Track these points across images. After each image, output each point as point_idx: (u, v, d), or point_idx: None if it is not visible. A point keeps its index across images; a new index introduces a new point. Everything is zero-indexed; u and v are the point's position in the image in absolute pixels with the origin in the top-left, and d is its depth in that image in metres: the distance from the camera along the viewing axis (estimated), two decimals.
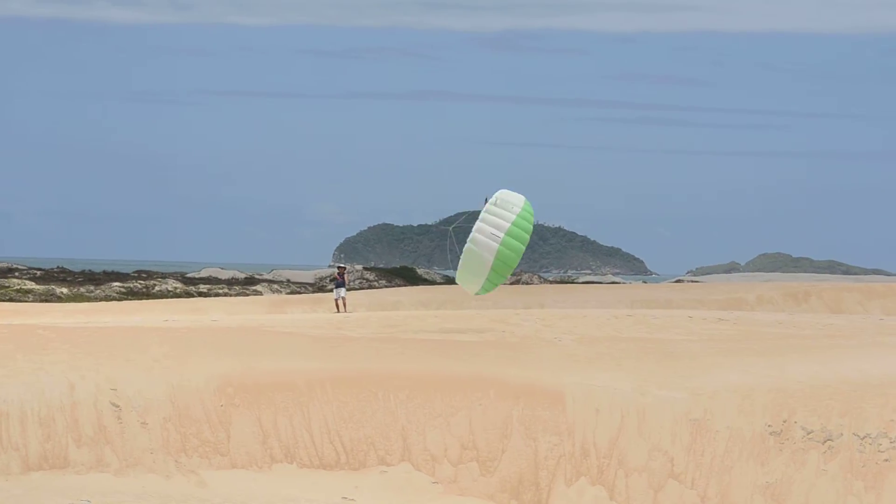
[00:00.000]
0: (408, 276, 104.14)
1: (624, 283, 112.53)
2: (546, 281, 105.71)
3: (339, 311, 45.33)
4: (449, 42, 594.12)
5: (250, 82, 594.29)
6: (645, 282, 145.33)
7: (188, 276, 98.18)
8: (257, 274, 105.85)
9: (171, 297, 78.49)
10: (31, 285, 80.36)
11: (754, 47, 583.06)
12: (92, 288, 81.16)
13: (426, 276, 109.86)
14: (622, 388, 23.11)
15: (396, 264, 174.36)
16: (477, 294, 25.77)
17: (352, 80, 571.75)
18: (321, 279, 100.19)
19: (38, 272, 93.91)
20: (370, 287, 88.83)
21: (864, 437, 21.11)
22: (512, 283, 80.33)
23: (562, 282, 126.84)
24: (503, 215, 25.34)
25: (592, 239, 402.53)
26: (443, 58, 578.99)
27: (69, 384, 22.75)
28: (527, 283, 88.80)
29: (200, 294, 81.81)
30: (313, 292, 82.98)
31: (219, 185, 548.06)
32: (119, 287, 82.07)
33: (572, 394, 23.19)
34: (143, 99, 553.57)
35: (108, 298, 75.81)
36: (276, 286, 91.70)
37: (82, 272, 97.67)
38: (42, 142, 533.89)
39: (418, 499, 22.14)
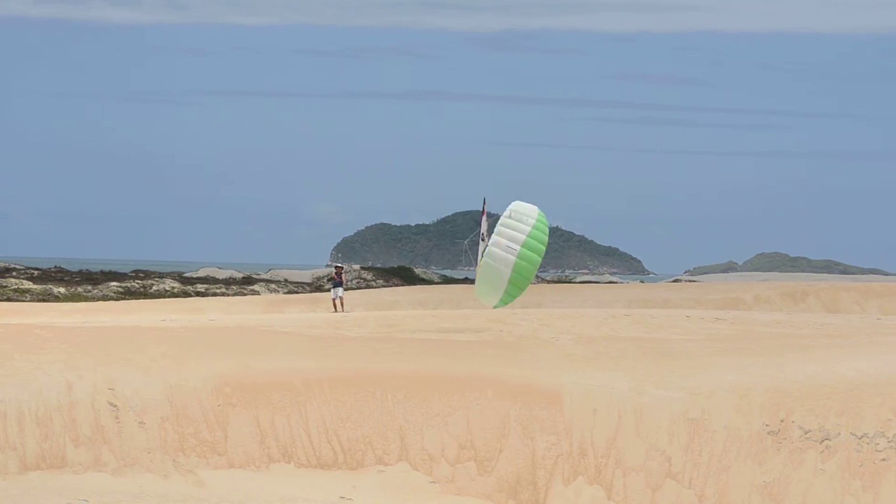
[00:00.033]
0: (405, 276, 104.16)
1: (621, 282, 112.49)
2: (543, 280, 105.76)
3: (336, 311, 45.33)
4: (447, 42, 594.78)
5: (248, 82, 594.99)
6: (642, 281, 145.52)
7: (186, 275, 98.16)
8: (255, 273, 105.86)
9: (169, 296, 78.50)
10: (28, 285, 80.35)
11: (754, 47, 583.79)
12: (89, 288, 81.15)
13: (423, 276, 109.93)
14: (620, 388, 23.12)
15: (394, 264, 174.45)
16: (495, 307, 25.86)
17: (349, 80, 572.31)
18: (319, 279, 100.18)
19: (36, 272, 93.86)
20: (367, 287, 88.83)
21: (861, 437, 21.12)
22: None
23: (559, 281, 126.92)
24: (518, 227, 25.37)
25: (590, 239, 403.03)
26: (441, 58, 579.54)
27: (67, 384, 22.74)
28: None
29: (198, 294, 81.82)
30: (311, 292, 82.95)
31: (216, 185, 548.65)
32: (116, 287, 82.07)
33: (570, 393, 23.19)
34: (141, 99, 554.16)
35: (105, 298, 75.83)
36: (273, 286, 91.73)
37: (80, 272, 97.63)
38: (39, 141, 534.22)
39: (416, 498, 22.14)
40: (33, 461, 21.82)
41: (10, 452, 21.77)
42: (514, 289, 25.16)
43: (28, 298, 73.46)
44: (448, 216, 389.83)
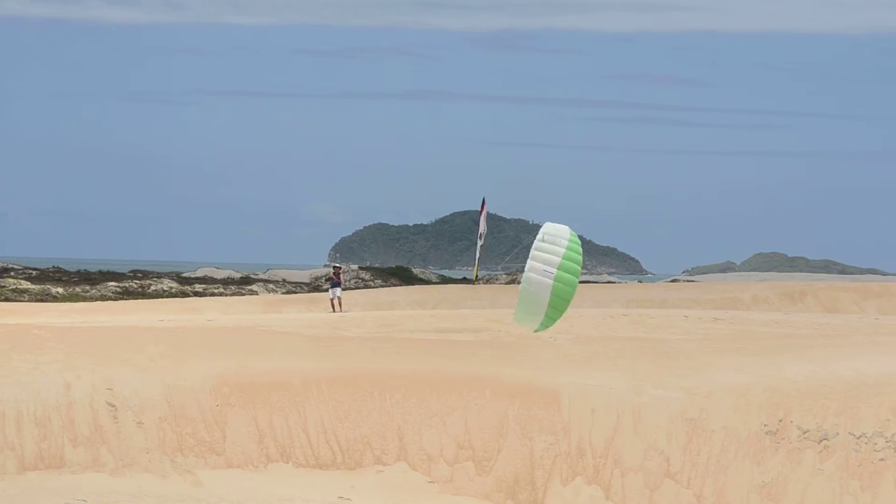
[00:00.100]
0: (403, 276, 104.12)
1: (619, 282, 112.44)
2: None
3: (334, 311, 45.32)
4: (445, 42, 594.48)
5: (246, 82, 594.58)
6: (640, 281, 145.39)
7: (184, 275, 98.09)
8: (253, 273, 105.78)
9: (167, 296, 78.46)
10: (26, 285, 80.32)
11: (753, 47, 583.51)
12: (87, 288, 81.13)
13: (422, 276, 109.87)
14: (618, 388, 23.12)
15: (392, 264, 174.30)
16: (536, 331, 26.10)
17: (348, 80, 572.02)
18: (317, 279, 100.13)
19: (34, 272, 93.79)
20: (366, 287, 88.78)
21: (859, 437, 21.12)
22: (508, 283, 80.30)
23: None
24: (553, 250, 25.45)
25: (588, 238, 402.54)
26: (439, 57, 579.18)
27: (65, 384, 22.73)
28: None
29: (196, 294, 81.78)
30: (309, 292, 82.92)
31: (215, 185, 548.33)
32: (115, 287, 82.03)
33: (568, 393, 23.19)
34: (140, 99, 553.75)
35: (103, 298, 75.79)
36: (271, 286, 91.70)
37: (78, 272, 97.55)
38: (38, 141, 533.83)
39: (414, 498, 22.14)
40: (32, 461, 21.82)
41: (8, 452, 21.76)
42: (553, 312, 25.35)
43: (26, 298, 73.42)
44: (446, 216, 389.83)
